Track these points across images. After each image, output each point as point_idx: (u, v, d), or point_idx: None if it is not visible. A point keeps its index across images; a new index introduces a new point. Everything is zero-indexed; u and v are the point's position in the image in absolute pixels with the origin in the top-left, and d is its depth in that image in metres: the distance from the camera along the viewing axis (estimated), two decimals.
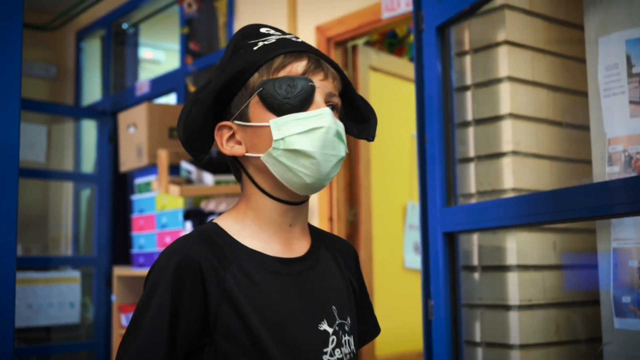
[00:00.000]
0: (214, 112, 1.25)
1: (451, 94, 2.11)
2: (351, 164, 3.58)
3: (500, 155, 2.06)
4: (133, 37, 5.16)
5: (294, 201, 1.26)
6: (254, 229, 1.25)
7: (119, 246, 4.53)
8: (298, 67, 1.21)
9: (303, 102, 1.19)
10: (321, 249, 1.33)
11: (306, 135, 1.18)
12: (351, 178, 3.57)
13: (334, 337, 1.23)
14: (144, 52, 5.44)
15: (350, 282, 1.35)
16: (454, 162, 2.10)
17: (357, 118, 1.34)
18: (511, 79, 2.06)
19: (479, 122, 2.12)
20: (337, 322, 1.24)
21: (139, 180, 3.93)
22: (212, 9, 4.32)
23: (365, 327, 1.41)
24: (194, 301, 1.15)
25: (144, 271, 3.73)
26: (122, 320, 3.97)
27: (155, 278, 1.16)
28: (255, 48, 1.24)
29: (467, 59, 2.16)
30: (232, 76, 1.21)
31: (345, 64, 3.56)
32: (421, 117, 2.05)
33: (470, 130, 2.14)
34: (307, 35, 3.54)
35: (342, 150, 1.22)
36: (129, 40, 5.16)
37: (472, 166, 2.13)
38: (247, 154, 1.24)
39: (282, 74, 1.21)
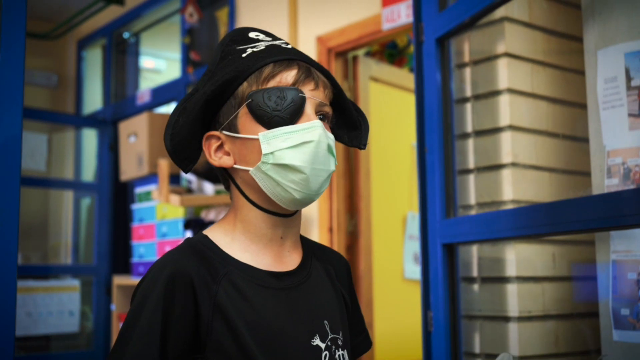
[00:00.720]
0: (202, 120, 1.21)
1: (451, 105, 2.12)
2: (351, 174, 3.58)
3: (499, 166, 2.06)
4: (134, 46, 5.17)
5: (284, 213, 1.23)
6: (243, 242, 1.22)
7: (119, 255, 4.53)
8: (288, 76, 1.18)
9: (293, 115, 1.16)
10: (313, 261, 1.30)
11: (296, 149, 1.15)
12: (351, 188, 3.58)
13: (327, 352, 1.20)
14: (145, 61, 5.45)
15: (342, 295, 1.33)
16: (454, 173, 2.10)
17: (348, 125, 1.30)
18: (511, 91, 2.07)
19: (478, 133, 2.13)
20: (329, 337, 1.22)
21: (139, 190, 3.94)
22: (213, 18, 4.33)
23: (357, 340, 1.38)
24: (185, 315, 1.12)
25: None
26: None
27: (145, 290, 1.13)
28: (243, 55, 1.21)
29: (467, 71, 2.17)
30: (220, 85, 1.18)
31: (345, 74, 3.57)
32: (421, 128, 2.05)
33: (470, 142, 2.14)
34: (308, 45, 3.55)
35: (332, 164, 1.19)
36: (130, 50, 5.17)
37: (471, 177, 2.13)
38: (235, 166, 1.21)
39: (271, 83, 1.17)
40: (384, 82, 3.79)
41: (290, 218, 1.24)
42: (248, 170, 1.18)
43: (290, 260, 1.26)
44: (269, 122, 1.16)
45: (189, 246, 1.20)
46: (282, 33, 3.64)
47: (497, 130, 2.08)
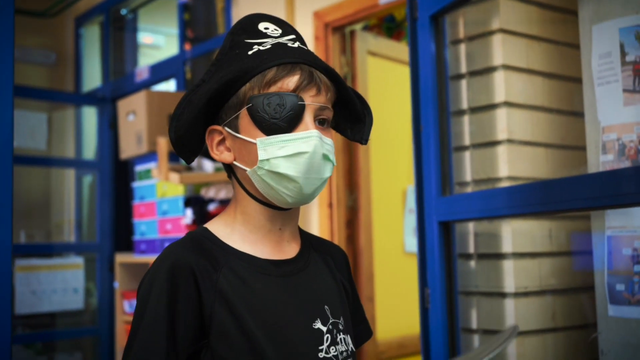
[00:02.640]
0: (206, 113, 1.23)
1: (446, 82, 2.11)
2: (350, 150, 3.58)
3: (495, 143, 2.06)
4: (132, 23, 5.14)
5: (281, 207, 1.25)
6: (243, 233, 1.25)
7: (121, 233, 4.55)
8: (290, 82, 1.18)
9: (291, 123, 1.18)
10: (311, 251, 1.33)
11: (290, 159, 1.17)
12: (350, 164, 3.58)
13: (328, 335, 1.22)
14: (144, 37, 5.42)
15: (342, 284, 1.35)
16: (450, 150, 2.11)
17: (353, 118, 1.32)
18: (506, 67, 2.06)
19: (474, 110, 2.12)
20: (330, 321, 1.24)
21: (139, 168, 3.94)
22: None
23: (358, 329, 1.40)
24: (189, 303, 1.15)
25: (145, 258, 3.76)
26: (125, 307, 4.00)
27: (148, 284, 1.16)
28: (249, 53, 1.22)
29: (462, 47, 2.16)
30: (223, 84, 1.19)
31: (343, 49, 3.55)
32: (416, 105, 2.05)
33: (466, 119, 2.14)
34: (305, 20, 3.53)
35: (327, 171, 1.21)
36: (128, 26, 5.15)
37: (467, 154, 2.13)
38: (235, 163, 1.24)
39: (273, 88, 1.18)
40: (382, 56, 3.78)
41: (288, 211, 1.27)
42: (245, 170, 1.21)
43: (289, 250, 1.28)
44: (267, 128, 1.18)
45: (189, 239, 1.23)
46: (279, 9, 3.61)
47: (492, 106, 2.07)
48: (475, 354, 1.84)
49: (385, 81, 3.80)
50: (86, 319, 4.61)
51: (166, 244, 3.53)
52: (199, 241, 1.22)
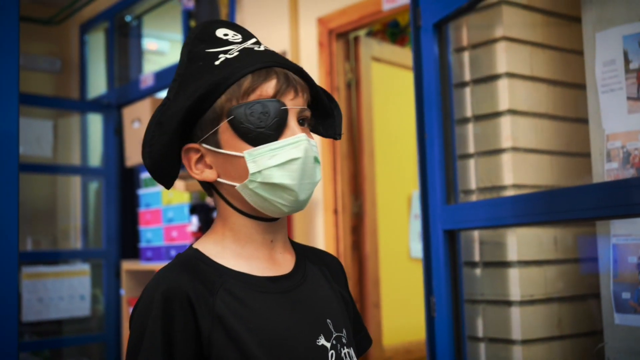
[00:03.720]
0: (180, 132, 1.17)
1: (450, 90, 2.11)
2: (355, 156, 3.58)
3: (499, 151, 2.06)
4: (136, 29, 5.15)
5: (272, 218, 1.21)
6: (235, 250, 1.20)
7: (128, 239, 4.55)
8: (268, 88, 1.14)
9: (278, 130, 1.14)
10: (307, 263, 1.28)
11: (283, 167, 1.13)
12: (355, 169, 3.58)
13: (333, 351, 1.18)
14: (148, 44, 5.43)
15: (341, 295, 1.31)
16: (454, 158, 2.10)
17: (322, 114, 1.27)
18: (510, 74, 2.06)
19: (478, 118, 2.12)
20: (334, 336, 1.20)
21: (144, 175, 3.95)
22: (213, 0, 4.31)
23: (357, 338, 1.35)
24: (187, 332, 1.08)
25: (152, 265, 3.76)
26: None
27: (141, 315, 1.10)
28: (216, 63, 1.16)
29: (466, 55, 2.16)
30: (196, 99, 1.14)
31: (347, 55, 3.56)
32: (420, 114, 2.05)
33: (470, 127, 2.14)
34: (309, 27, 3.53)
35: (318, 174, 1.18)
36: (133, 33, 5.15)
37: (472, 162, 2.13)
38: (220, 180, 1.18)
39: (252, 97, 1.14)
40: (386, 62, 3.78)
41: (278, 221, 1.23)
42: (234, 185, 1.16)
43: (284, 262, 1.24)
44: (254, 138, 1.13)
45: (179, 262, 1.18)
46: (283, 15, 3.62)
47: (496, 114, 2.07)
48: None
49: (390, 87, 3.80)
50: (93, 326, 4.61)
51: (172, 252, 3.56)
52: (192, 264, 1.17)
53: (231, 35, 1.22)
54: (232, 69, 1.15)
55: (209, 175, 1.19)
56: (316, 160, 1.17)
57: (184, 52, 1.20)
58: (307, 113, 1.21)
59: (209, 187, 1.23)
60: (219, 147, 1.16)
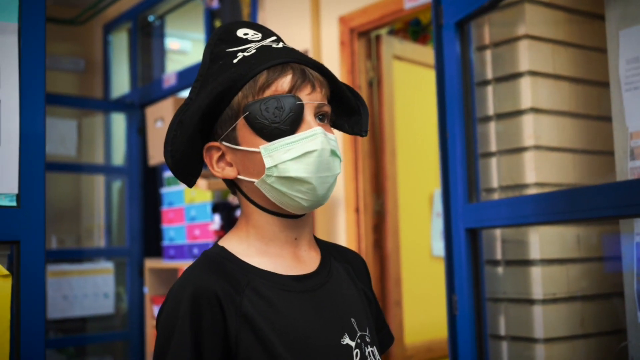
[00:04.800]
0: (200, 131, 1.19)
1: (472, 88, 2.11)
2: (377, 154, 3.58)
3: (522, 149, 2.06)
4: (159, 29, 5.19)
5: (295, 215, 1.21)
6: (259, 247, 1.20)
7: (151, 238, 4.59)
8: (284, 83, 1.15)
9: (293, 124, 1.14)
10: (332, 261, 1.29)
11: (299, 160, 1.13)
12: (377, 168, 3.58)
13: (357, 350, 1.18)
14: (171, 43, 5.47)
15: (364, 292, 1.31)
16: (476, 157, 2.10)
17: (348, 111, 1.27)
18: (532, 73, 2.05)
19: (500, 116, 2.12)
20: (358, 335, 1.20)
21: (167, 174, 3.98)
22: (236, 0, 4.33)
23: (379, 335, 1.35)
24: (215, 332, 1.09)
25: (174, 263, 3.79)
26: (154, 312, 4.04)
27: (170, 315, 1.10)
28: (235, 61, 1.18)
29: (488, 54, 2.15)
30: (214, 97, 1.15)
31: (369, 54, 3.56)
32: (442, 112, 2.05)
33: (492, 125, 2.14)
34: (331, 26, 3.54)
35: (337, 167, 1.18)
36: (156, 32, 5.19)
37: (494, 161, 2.13)
38: (240, 177, 1.19)
39: (267, 93, 1.15)
40: (408, 60, 3.78)
41: (301, 218, 1.23)
42: (253, 182, 1.17)
43: (309, 259, 1.24)
44: (269, 134, 1.14)
45: (206, 260, 1.18)
46: (305, 14, 3.63)
47: (519, 112, 2.07)
48: None
49: (412, 85, 3.80)
50: (117, 324, 4.66)
51: (195, 250, 3.58)
52: (218, 262, 1.17)
53: (251, 34, 1.23)
54: (249, 66, 1.16)
55: (230, 172, 1.20)
56: (334, 153, 1.17)
57: (206, 53, 1.22)
58: (326, 108, 1.20)
59: (232, 185, 1.24)
60: (237, 144, 1.17)
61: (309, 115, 1.16)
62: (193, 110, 1.16)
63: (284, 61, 1.16)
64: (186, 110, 1.19)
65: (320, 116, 1.19)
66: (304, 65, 1.18)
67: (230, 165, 1.20)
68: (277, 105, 1.14)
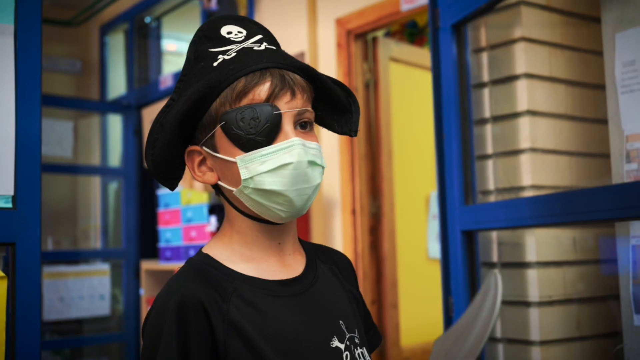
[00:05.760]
0: (180, 136, 1.16)
1: (468, 90, 2.11)
2: (373, 156, 3.59)
3: (518, 152, 2.06)
4: (156, 31, 5.18)
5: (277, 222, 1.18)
6: (244, 253, 1.18)
7: (147, 239, 4.59)
8: (261, 92, 1.11)
9: (270, 135, 1.10)
10: (318, 264, 1.26)
11: (275, 173, 1.10)
12: (373, 170, 3.58)
13: (347, 352, 1.16)
14: (168, 45, 5.46)
15: (351, 293, 1.30)
16: (472, 159, 2.10)
17: (337, 110, 1.22)
18: (528, 75, 2.05)
19: (496, 119, 2.12)
20: (347, 337, 1.18)
21: None
22: (232, 1, 4.33)
23: (367, 335, 1.34)
24: (202, 341, 1.07)
25: (171, 265, 3.79)
26: None
27: (155, 325, 1.08)
28: (215, 64, 1.14)
29: (484, 56, 2.16)
30: (192, 103, 1.11)
31: (365, 56, 3.56)
32: (439, 114, 2.05)
33: (488, 127, 2.14)
34: (327, 28, 3.54)
35: (316, 178, 1.14)
36: (152, 34, 5.19)
37: (490, 163, 2.13)
38: (220, 183, 1.16)
39: (244, 101, 1.10)
40: (405, 62, 3.78)
41: (284, 224, 1.20)
42: (232, 190, 1.14)
43: (294, 263, 1.22)
44: (245, 145, 1.10)
45: (191, 269, 1.16)
46: (301, 16, 3.63)
47: (515, 115, 2.07)
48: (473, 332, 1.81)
49: (408, 87, 3.80)
50: (113, 325, 4.65)
51: (191, 251, 3.58)
52: (203, 270, 1.15)
53: (235, 32, 1.19)
54: (227, 71, 1.12)
55: (210, 178, 1.17)
56: (313, 163, 1.13)
57: (190, 50, 1.19)
58: (309, 115, 1.16)
59: (217, 188, 1.21)
60: (216, 151, 1.14)
61: (287, 124, 1.12)
62: (172, 115, 1.14)
63: (262, 67, 1.12)
64: (167, 112, 1.16)
65: (303, 123, 1.15)
66: (285, 70, 1.14)
67: (211, 170, 1.17)
68: (253, 115, 1.10)
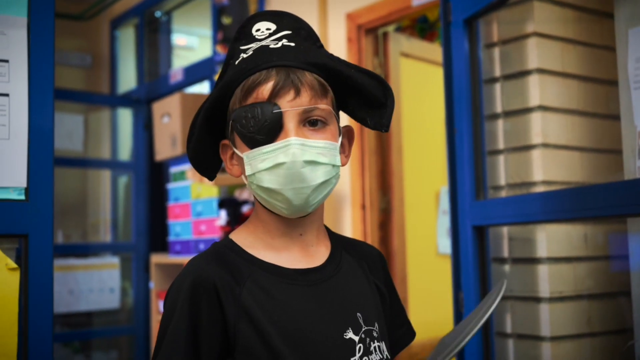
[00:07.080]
0: (213, 130, 1.21)
1: (480, 86, 2.11)
2: (383, 151, 3.58)
3: (529, 147, 2.05)
4: (166, 25, 5.19)
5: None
6: (266, 241, 1.21)
7: (157, 233, 4.60)
8: (264, 90, 1.13)
9: (270, 133, 1.12)
10: (343, 255, 1.28)
11: (271, 172, 1.12)
12: (383, 165, 3.58)
13: (361, 344, 1.17)
14: (178, 39, 5.47)
15: (377, 287, 1.30)
16: (484, 154, 2.10)
17: (370, 104, 1.22)
18: (540, 70, 2.05)
19: (508, 114, 2.11)
20: (363, 329, 1.19)
21: (174, 169, 3.99)
22: None
23: (400, 332, 1.35)
24: (212, 321, 1.11)
25: (180, 258, 3.80)
26: (160, 307, 4.04)
27: (171, 301, 1.14)
28: (236, 62, 1.19)
29: (496, 51, 2.15)
30: (213, 100, 1.17)
31: (376, 51, 3.56)
32: (450, 109, 2.05)
33: (500, 123, 2.13)
34: (338, 23, 3.54)
35: (317, 177, 1.14)
36: (162, 28, 5.20)
37: (501, 158, 2.13)
38: (242, 177, 1.20)
39: (249, 100, 1.14)
40: (415, 58, 3.77)
41: (307, 216, 1.22)
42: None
43: (316, 253, 1.24)
44: (249, 142, 1.14)
45: (212, 251, 1.20)
46: (312, 11, 3.63)
47: (526, 110, 2.06)
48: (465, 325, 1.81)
49: (419, 82, 3.79)
50: (122, 318, 4.67)
51: (201, 245, 3.59)
52: (223, 253, 1.19)
53: (262, 29, 1.21)
54: (241, 70, 1.16)
55: (235, 171, 1.22)
56: (312, 163, 1.13)
57: (229, 46, 1.24)
58: (321, 112, 1.15)
59: None
60: (235, 146, 1.19)
61: (290, 122, 1.13)
62: (199, 112, 1.20)
63: (268, 66, 1.14)
64: (203, 106, 1.21)
65: (312, 120, 1.15)
66: (294, 67, 1.14)
67: (237, 164, 1.22)
68: (254, 113, 1.12)
